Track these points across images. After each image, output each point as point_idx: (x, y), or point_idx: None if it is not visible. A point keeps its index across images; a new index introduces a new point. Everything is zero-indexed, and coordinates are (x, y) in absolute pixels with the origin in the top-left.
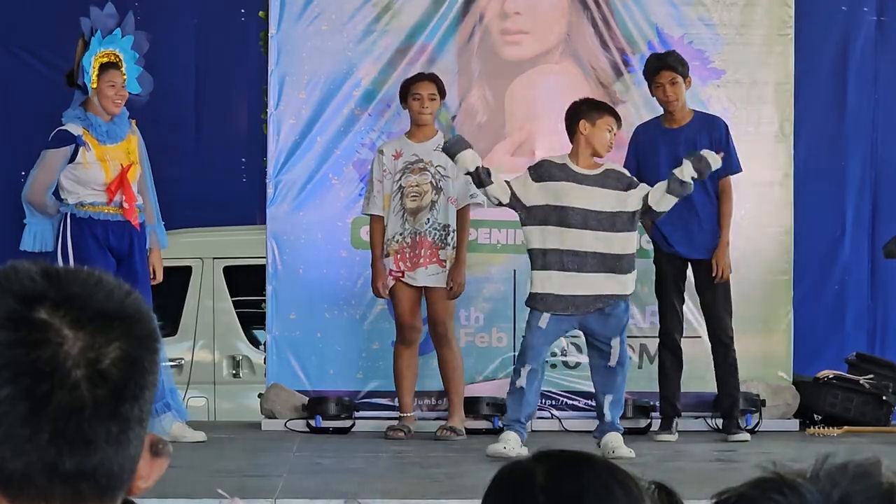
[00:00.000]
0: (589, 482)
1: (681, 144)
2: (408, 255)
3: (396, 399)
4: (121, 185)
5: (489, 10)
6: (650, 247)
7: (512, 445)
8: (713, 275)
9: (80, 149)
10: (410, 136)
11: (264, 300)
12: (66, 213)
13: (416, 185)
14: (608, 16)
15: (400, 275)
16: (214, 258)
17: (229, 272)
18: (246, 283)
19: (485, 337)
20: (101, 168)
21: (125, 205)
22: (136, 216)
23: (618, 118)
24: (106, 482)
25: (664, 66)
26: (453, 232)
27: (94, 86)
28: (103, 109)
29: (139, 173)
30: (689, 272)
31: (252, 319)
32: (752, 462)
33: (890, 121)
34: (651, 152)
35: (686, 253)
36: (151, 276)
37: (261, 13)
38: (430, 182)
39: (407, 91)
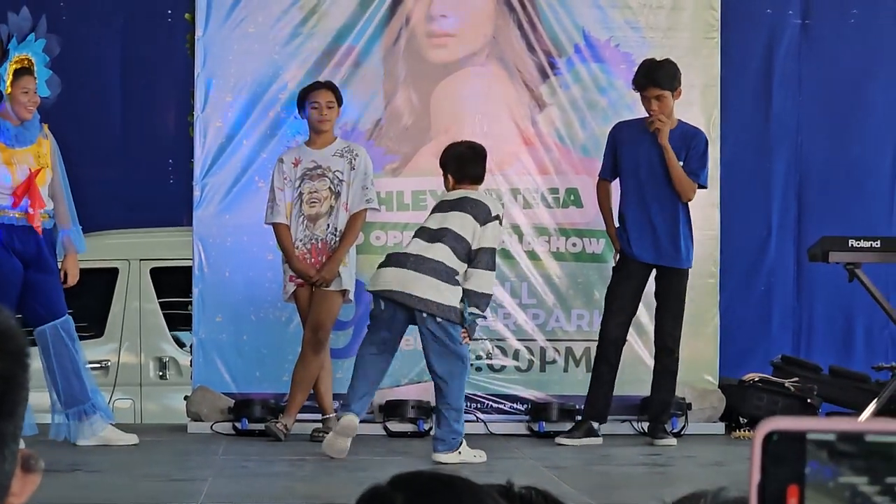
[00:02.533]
0: None
1: (662, 148)
2: (308, 261)
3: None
4: (28, 190)
5: (415, 12)
6: (576, 250)
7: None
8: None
9: None
10: (310, 143)
11: (191, 302)
12: None
13: (315, 192)
14: (534, 18)
15: (301, 282)
16: (141, 260)
17: (156, 274)
18: (172, 285)
19: (410, 340)
20: (7, 171)
21: (30, 210)
22: (39, 222)
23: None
24: None
25: (652, 84)
26: None
27: (8, 91)
28: (15, 115)
29: (50, 178)
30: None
31: (178, 321)
32: (678, 466)
33: (814, 123)
34: (631, 150)
35: (652, 259)
36: (63, 280)
37: (187, 15)
38: (329, 188)
39: (304, 100)
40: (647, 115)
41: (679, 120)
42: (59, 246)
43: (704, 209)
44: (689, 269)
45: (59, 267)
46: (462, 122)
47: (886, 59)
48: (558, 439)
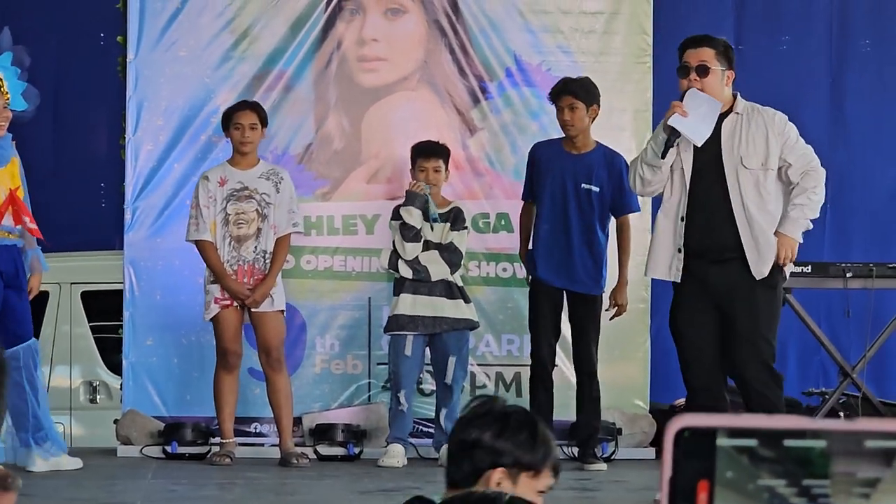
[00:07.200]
0: None
1: (579, 171)
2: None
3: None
4: (9, 207)
5: (347, 36)
6: (506, 275)
7: (401, 459)
8: (612, 313)
9: None
10: (234, 163)
11: (122, 325)
12: None
13: (243, 213)
14: (466, 43)
15: (228, 303)
16: (72, 283)
17: (87, 297)
18: (103, 308)
19: (340, 364)
20: None
21: (31, 224)
22: (38, 232)
23: (436, 155)
24: None
25: (565, 91)
26: None
27: None
28: None
29: (23, 196)
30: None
31: (109, 345)
32: (608, 491)
33: None
34: (547, 172)
35: (562, 284)
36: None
37: (119, 38)
38: (256, 210)
39: (228, 120)
40: (561, 128)
41: (597, 142)
42: (26, 266)
43: (636, 233)
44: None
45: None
46: (393, 147)
47: (817, 85)
48: None
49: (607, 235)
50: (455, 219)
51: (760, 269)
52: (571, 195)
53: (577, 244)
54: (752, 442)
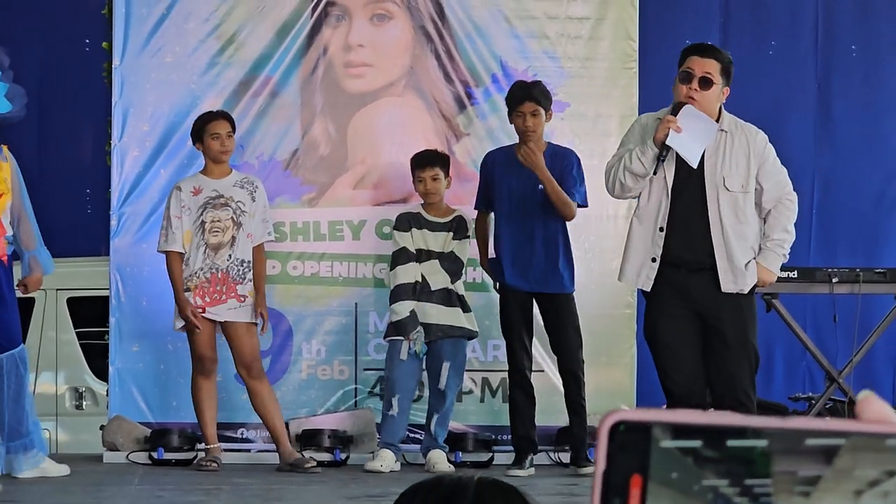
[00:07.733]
0: None
1: (534, 174)
2: (207, 291)
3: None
4: None
5: (333, 42)
6: (490, 280)
7: (388, 464)
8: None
9: None
10: (207, 172)
11: (108, 331)
12: None
13: (219, 221)
14: (452, 49)
15: (201, 311)
16: (58, 289)
17: (73, 303)
18: (89, 314)
19: (326, 369)
20: None
21: None
22: (3, 249)
23: (433, 164)
24: None
25: (528, 98)
26: (251, 267)
27: None
28: None
29: (10, 202)
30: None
31: (96, 351)
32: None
33: None
34: (503, 179)
35: (531, 289)
36: (23, 293)
37: (104, 44)
38: (231, 218)
39: (202, 130)
40: (518, 133)
41: (548, 142)
42: (24, 266)
43: (621, 240)
44: (574, 293)
45: (21, 283)
46: (379, 153)
47: (803, 90)
48: (509, 471)
49: (567, 233)
50: (458, 227)
51: (729, 288)
52: (530, 198)
53: (540, 246)
54: (696, 443)
